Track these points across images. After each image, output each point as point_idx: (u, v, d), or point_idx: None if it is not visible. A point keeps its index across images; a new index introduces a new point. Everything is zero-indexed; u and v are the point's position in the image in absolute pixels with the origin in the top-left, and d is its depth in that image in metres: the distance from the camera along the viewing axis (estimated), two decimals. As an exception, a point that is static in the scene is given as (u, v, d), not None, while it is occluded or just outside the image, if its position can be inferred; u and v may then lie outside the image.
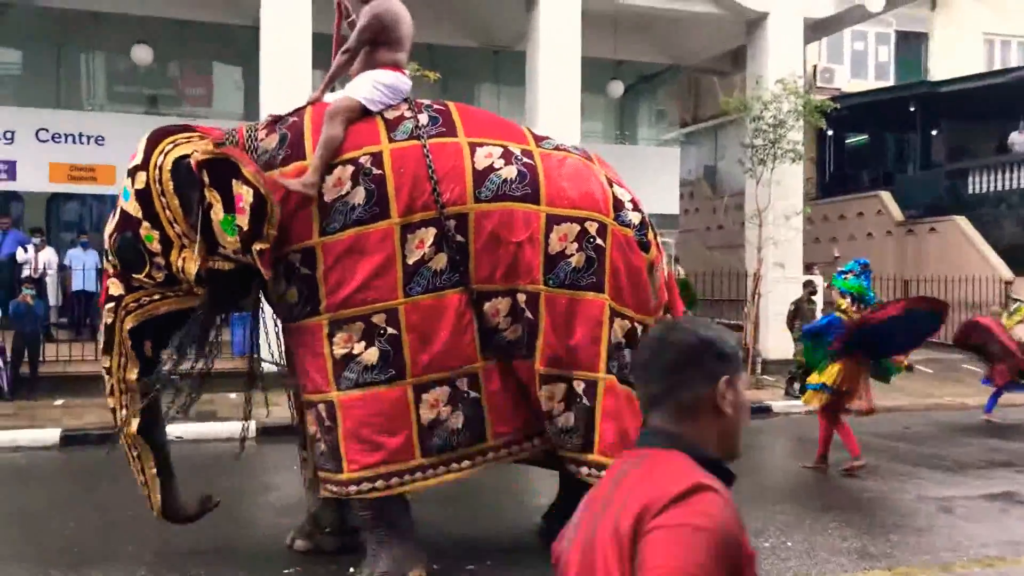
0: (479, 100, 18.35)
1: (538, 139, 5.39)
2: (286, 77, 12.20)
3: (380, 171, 4.85)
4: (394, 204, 4.81)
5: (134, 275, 4.89)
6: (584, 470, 4.96)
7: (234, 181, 4.67)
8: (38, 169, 14.60)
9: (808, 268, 15.91)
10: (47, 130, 14.74)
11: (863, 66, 22.30)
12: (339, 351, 4.77)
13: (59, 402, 10.68)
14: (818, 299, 14.87)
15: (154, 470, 5.11)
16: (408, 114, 5.09)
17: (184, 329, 5.05)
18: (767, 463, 8.56)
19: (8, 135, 14.29)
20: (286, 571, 5.20)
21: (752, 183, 14.27)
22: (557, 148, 5.37)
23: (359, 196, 4.81)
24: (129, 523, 6.02)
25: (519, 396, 5.00)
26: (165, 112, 15.80)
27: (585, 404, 4.93)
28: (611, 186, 5.31)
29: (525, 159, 5.09)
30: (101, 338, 5.11)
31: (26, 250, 13.14)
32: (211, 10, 14.84)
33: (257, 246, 4.65)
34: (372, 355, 4.75)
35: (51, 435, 9.04)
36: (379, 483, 4.76)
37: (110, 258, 5.00)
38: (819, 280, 15.53)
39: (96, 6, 14.66)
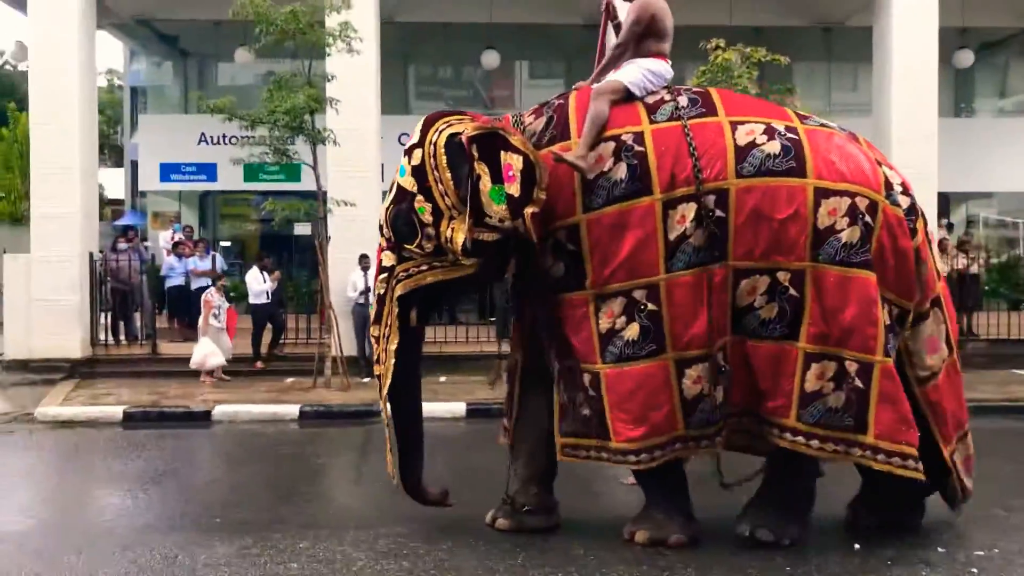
0: (812, 80, 17.86)
1: (802, 117, 5.33)
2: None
3: (642, 148, 4.99)
4: (656, 180, 4.93)
5: (406, 246, 5.16)
6: (856, 451, 4.86)
7: (502, 153, 4.93)
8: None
9: None
10: (408, 134, 16.26)
11: None
12: (604, 325, 4.98)
13: (443, 379, 11.80)
14: None
15: (393, 438, 5.35)
16: (668, 98, 5.21)
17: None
18: None
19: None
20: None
21: None
22: (823, 126, 5.27)
23: (621, 171, 4.96)
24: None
25: (747, 376, 5.00)
26: (501, 112, 16.94)
27: (858, 386, 4.79)
28: (880, 166, 5.18)
29: (789, 135, 5.03)
30: (373, 309, 5.47)
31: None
32: (547, 12, 15.69)
33: (528, 210, 4.89)
34: (633, 330, 4.92)
35: (459, 408, 10.20)
36: (643, 456, 4.93)
37: (384, 232, 5.30)
38: None
39: (446, 17, 16.04)
